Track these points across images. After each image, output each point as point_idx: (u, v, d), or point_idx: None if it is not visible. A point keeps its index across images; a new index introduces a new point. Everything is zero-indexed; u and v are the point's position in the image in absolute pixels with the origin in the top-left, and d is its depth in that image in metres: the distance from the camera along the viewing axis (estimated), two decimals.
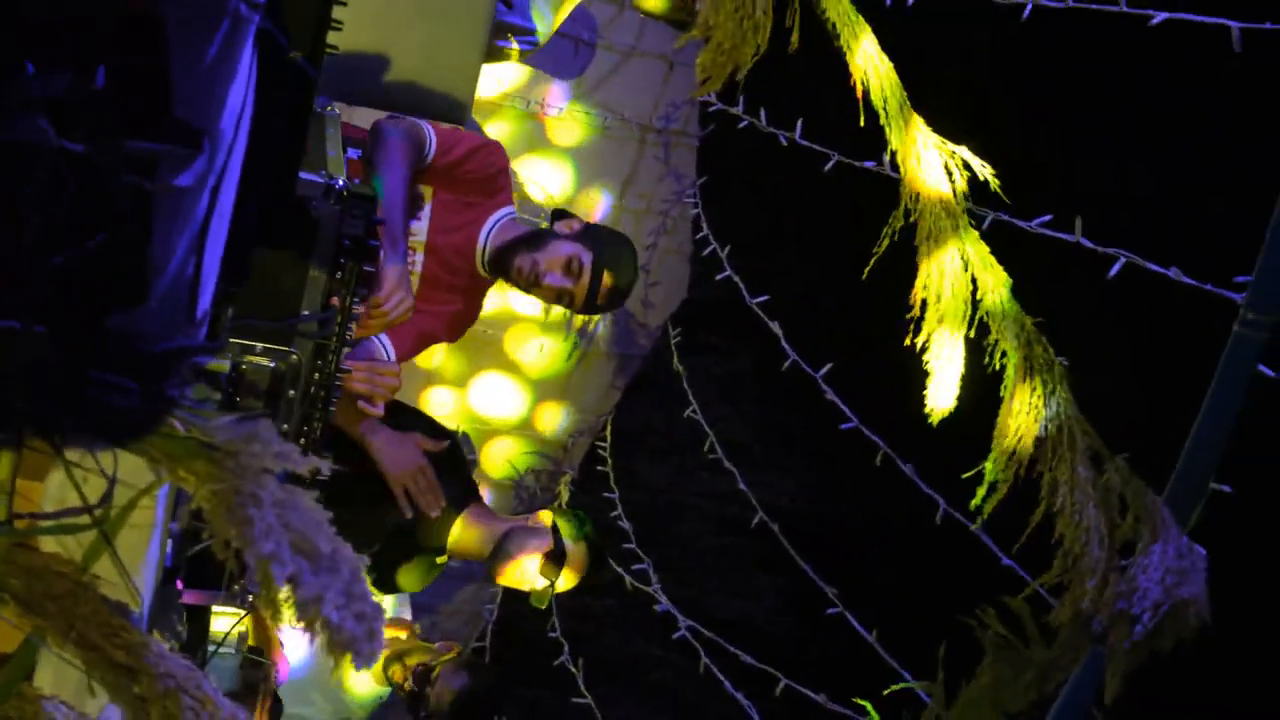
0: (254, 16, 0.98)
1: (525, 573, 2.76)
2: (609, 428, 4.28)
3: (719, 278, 3.60)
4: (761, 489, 3.44)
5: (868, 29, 1.61)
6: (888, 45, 1.92)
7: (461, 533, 2.78)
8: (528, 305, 4.01)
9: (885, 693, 1.95)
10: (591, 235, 2.65)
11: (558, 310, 3.62)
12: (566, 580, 2.81)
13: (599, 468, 4.13)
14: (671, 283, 4.21)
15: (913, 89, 1.90)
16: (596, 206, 4.07)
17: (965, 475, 1.91)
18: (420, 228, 2.59)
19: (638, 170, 4.06)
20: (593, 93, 3.88)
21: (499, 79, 3.69)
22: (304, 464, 1.03)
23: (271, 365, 1.47)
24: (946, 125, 1.90)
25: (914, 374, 1.85)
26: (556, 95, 3.81)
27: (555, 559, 2.75)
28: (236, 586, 1.58)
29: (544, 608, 3.05)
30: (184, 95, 0.97)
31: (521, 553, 2.75)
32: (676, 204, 4.15)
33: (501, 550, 2.76)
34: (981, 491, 1.88)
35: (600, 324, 4.17)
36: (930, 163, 1.53)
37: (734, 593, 4.40)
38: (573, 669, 3.62)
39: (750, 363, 4.05)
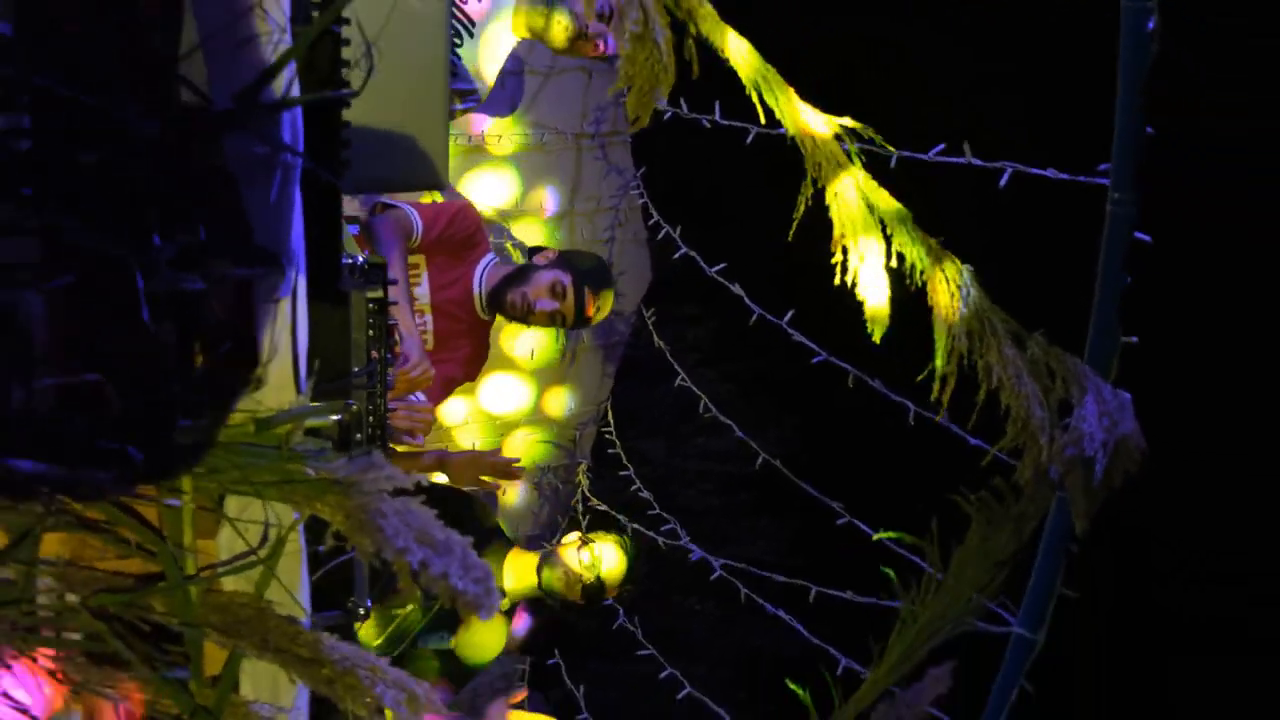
0: (297, 161, 1.31)
1: (570, 574, 3.16)
2: (610, 413, 4.63)
3: (677, 256, 3.95)
4: (754, 434, 3.79)
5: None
6: (777, 20, 2.25)
7: (508, 570, 3.19)
8: None
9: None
10: (566, 259, 3.11)
11: None
12: (609, 578, 3.21)
13: (609, 450, 4.47)
14: (635, 270, 4.54)
15: (803, 52, 2.23)
16: (544, 207, 4.37)
17: (919, 378, 2.26)
18: (422, 292, 3.00)
19: (581, 175, 4.38)
20: (525, 114, 4.19)
21: None
22: (408, 481, 1.36)
23: (339, 418, 1.80)
24: (839, 81, 2.24)
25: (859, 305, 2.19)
26: (495, 125, 4.12)
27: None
28: (351, 602, 1.90)
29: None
30: (262, 230, 1.30)
31: (564, 556, 3.16)
32: (624, 197, 4.47)
33: (545, 563, 3.18)
34: (938, 389, 2.22)
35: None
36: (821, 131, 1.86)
37: (746, 540, 4.76)
38: (631, 626, 3.96)
39: (720, 325, 4.39)
